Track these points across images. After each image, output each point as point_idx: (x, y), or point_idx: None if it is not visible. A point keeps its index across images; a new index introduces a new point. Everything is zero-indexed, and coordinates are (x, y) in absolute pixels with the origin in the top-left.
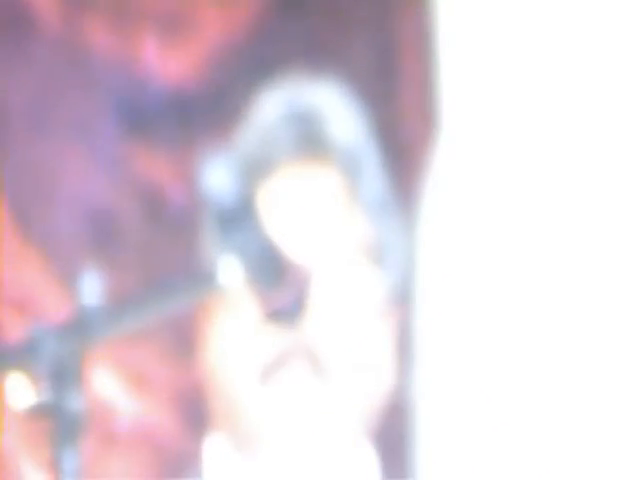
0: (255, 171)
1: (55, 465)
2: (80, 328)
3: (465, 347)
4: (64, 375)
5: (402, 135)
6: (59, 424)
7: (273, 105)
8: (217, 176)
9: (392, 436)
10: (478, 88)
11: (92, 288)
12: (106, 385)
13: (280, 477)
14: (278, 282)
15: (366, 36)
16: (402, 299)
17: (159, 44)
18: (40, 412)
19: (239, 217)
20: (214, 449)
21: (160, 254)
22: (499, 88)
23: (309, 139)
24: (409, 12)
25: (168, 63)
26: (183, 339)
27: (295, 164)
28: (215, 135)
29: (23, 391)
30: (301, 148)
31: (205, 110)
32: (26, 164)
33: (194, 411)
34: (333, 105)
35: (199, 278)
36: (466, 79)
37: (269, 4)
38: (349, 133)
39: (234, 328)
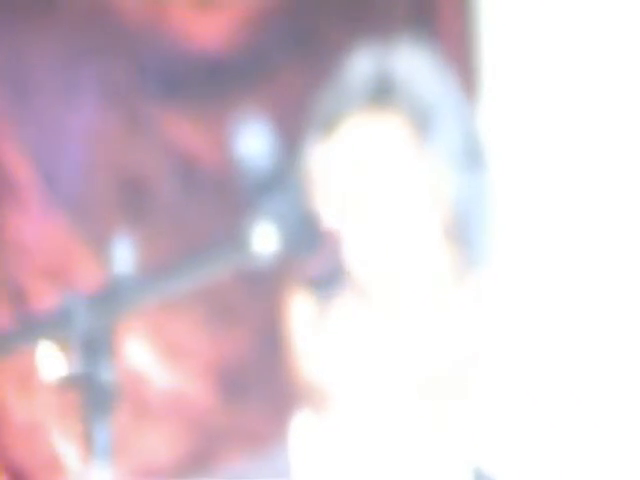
0: (324, 127)
1: (87, 437)
2: (112, 297)
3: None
4: (96, 345)
5: None
6: (91, 395)
7: (351, 64)
8: (253, 141)
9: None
10: (516, 46)
11: (124, 256)
12: (139, 356)
13: (355, 434)
14: (314, 249)
15: None
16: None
17: (192, 8)
18: (72, 383)
19: (276, 183)
20: (300, 429)
21: (194, 221)
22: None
23: (379, 88)
24: None
25: (201, 28)
26: (217, 309)
27: (361, 114)
28: (250, 99)
29: (54, 362)
30: (371, 98)
31: (239, 74)
32: (57, 130)
33: (228, 382)
34: (409, 59)
35: (233, 246)
36: (505, 37)
37: None
38: (423, 82)
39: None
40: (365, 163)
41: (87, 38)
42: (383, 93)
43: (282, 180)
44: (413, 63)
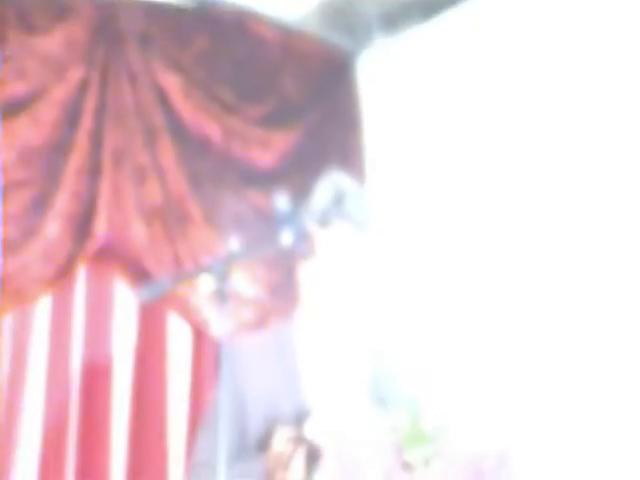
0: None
1: None
2: (227, 260)
3: None
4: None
5: None
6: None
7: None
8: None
9: None
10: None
11: (233, 244)
12: None
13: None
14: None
15: None
16: None
17: (258, 146)
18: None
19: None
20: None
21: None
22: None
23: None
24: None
25: (261, 155)
26: None
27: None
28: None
29: (207, 282)
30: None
31: (281, 179)
32: None
33: None
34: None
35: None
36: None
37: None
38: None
39: None
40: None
41: None
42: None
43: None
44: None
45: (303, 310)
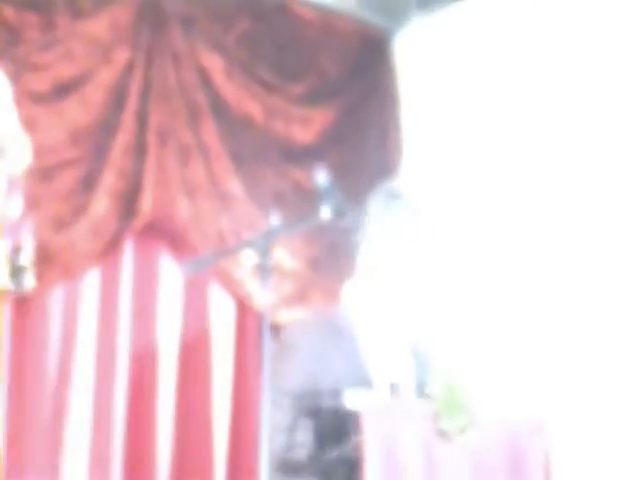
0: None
1: None
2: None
3: None
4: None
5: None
6: None
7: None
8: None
9: None
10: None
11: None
12: None
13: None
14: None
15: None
16: None
17: (297, 124)
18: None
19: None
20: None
21: None
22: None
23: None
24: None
25: (300, 133)
26: None
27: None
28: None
29: (248, 257)
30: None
31: (318, 155)
32: None
33: None
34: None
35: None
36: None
37: None
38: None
39: None
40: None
41: None
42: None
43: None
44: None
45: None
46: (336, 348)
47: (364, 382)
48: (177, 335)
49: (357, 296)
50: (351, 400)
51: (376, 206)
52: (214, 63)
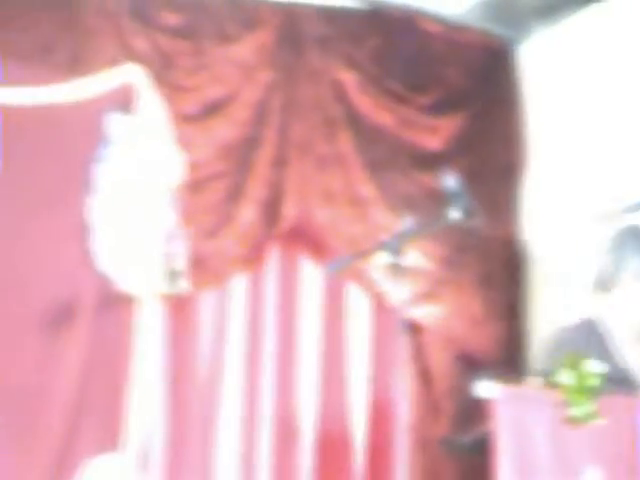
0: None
1: None
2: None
3: None
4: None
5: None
6: None
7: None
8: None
9: None
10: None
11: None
12: None
13: None
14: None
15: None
16: None
17: (427, 133)
18: None
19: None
20: None
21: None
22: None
23: None
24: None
25: (431, 139)
26: None
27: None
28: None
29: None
30: None
31: (446, 160)
32: None
33: None
34: None
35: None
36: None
37: None
38: None
39: None
40: None
41: None
42: None
43: None
44: None
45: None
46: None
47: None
48: (317, 331)
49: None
50: (483, 388)
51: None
52: (348, 78)
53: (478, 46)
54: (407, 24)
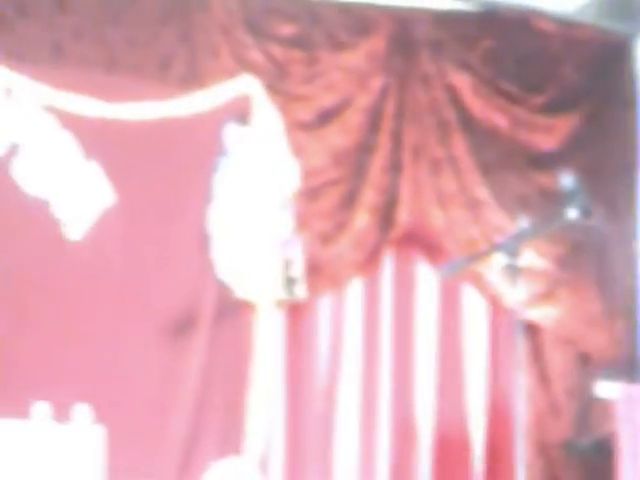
0: None
1: None
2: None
3: None
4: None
5: None
6: None
7: None
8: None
9: None
10: None
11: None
12: None
13: None
14: None
15: None
16: None
17: (542, 134)
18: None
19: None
20: None
21: None
22: None
23: None
24: None
25: (544, 139)
26: None
27: None
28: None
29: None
30: None
31: (560, 160)
32: None
33: None
34: None
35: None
36: None
37: None
38: None
39: None
40: None
41: None
42: None
43: None
44: None
45: None
46: None
47: None
48: (434, 334)
49: None
50: (604, 389)
51: None
52: (461, 81)
53: (594, 43)
54: (521, 24)
